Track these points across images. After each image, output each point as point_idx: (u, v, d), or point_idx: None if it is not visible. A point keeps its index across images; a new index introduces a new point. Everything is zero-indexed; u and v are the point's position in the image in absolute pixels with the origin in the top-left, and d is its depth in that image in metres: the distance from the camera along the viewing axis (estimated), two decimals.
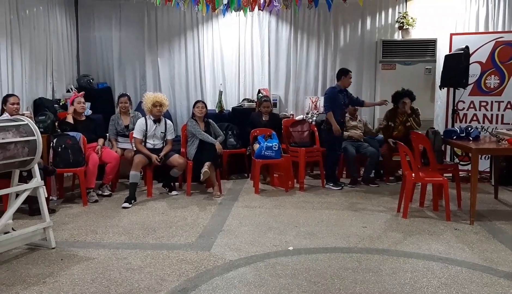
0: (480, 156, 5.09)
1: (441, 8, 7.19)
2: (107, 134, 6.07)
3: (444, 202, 4.71)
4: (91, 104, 6.58)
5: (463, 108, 6.67)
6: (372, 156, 6.14)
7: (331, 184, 6.05)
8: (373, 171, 6.32)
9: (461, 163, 6.39)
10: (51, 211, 4.72)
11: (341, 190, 5.93)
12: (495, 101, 6.58)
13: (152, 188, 5.68)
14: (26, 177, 4.20)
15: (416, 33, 7.15)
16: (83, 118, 5.73)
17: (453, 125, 6.22)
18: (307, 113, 7.33)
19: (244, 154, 6.65)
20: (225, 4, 5.91)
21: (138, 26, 7.54)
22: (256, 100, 7.11)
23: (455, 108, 6.44)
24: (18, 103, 5.13)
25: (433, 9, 7.21)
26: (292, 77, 7.58)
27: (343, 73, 6.05)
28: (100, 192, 5.57)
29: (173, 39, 7.57)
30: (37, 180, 3.75)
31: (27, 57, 6.14)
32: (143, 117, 5.76)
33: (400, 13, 7.25)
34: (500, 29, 7.00)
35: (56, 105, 6.38)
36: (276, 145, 5.80)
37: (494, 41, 6.48)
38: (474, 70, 6.46)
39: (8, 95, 5.18)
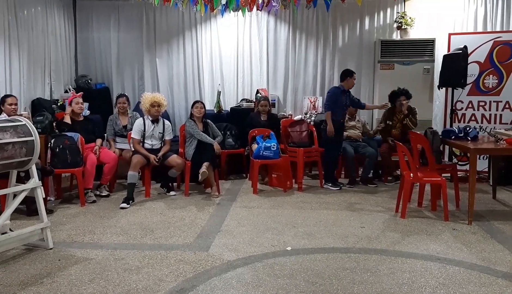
0: (478, 156, 5.08)
1: (440, 8, 7.19)
2: (105, 135, 6.06)
3: (442, 202, 4.70)
4: (89, 104, 6.57)
5: (462, 108, 6.67)
6: (371, 156, 6.15)
7: (330, 184, 6.05)
8: (372, 171, 6.32)
9: (459, 163, 6.39)
10: (49, 211, 4.72)
11: (339, 190, 5.93)
12: (494, 101, 6.58)
13: (150, 188, 5.68)
14: (23, 178, 4.19)
15: (415, 33, 7.16)
16: (81, 119, 5.72)
17: (451, 125, 6.22)
18: (306, 113, 7.33)
19: (242, 154, 6.65)
20: (224, 4, 5.91)
21: (137, 27, 7.54)
22: (254, 100, 7.11)
23: (454, 108, 6.44)
24: (16, 104, 5.12)
25: (432, 9, 7.22)
26: (290, 77, 7.58)
27: (348, 74, 6.02)
28: (98, 193, 5.56)
29: (172, 39, 7.57)
30: (34, 181, 3.74)
31: (25, 57, 6.13)
32: (141, 118, 5.75)
33: (398, 13, 7.25)
34: (498, 29, 7.00)
35: (54, 106, 6.38)
36: (274, 145, 5.80)
37: (493, 41, 6.49)
38: (473, 70, 6.47)
39: (6, 96, 5.17)
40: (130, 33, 7.56)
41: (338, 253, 3.72)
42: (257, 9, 6.17)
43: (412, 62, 6.99)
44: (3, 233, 3.61)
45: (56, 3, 6.94)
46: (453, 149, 6.06)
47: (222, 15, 6.84)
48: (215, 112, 7.08)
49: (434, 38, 6.99)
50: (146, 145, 5.61)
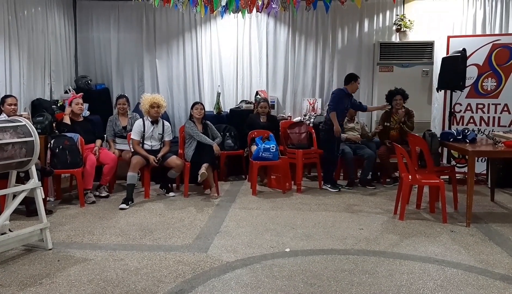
0: (476, 158, 5.10)
1: (439, 11, 7.21)
2: (105, 135, 6.07)
3: (440, 204, 4.71)
4: (89, 105, 6.57)
5: (460, 111, 6.69)
6: (369, 158, 6.16)
7: (329, 186, 6.06)
8: (370, 173, 6.34)
9: (457, 165, 6.41)
10: (48, 212, 4.72)
11: (338, 192, 5.94)
12: (492, 104, 6.60)
13: (149, 189, 5.69)
14: (23, 178, 4.19)
15: (414, 36, 7.18)
16: (81, 119, 5.73)
17: (450, 128, 6.23)
18: (305, 115, 7.33)
19: (241, 155, 6.66)
20: (223, 6, 5.93)
21: (137, 28, 7.55)
22: (254, 101, 7.12)
23: (452, 110, 6.46)
24: (15, 104, 5.13)
25: (431, 11, 7.24)
26: (290, 79, 7.59)
27: (352, 78, 6.02)
28: (97, 193, 5.57)
29: (171, 40, 7.58)
30: (34, 181, 3.75)
31: (25, 58, 6.14)
32: (141, 118, 5.76)
33: (397, 15, 7.27)
34: (497, 32, 7.03)
35: (54, 106, 6.38)
36: (273, 146, 5.81)
37: (491, 43, 6.51)
38: (471, 73, 6.49)
39: (6, 96, 5.18)
40: (130, 34, 7.57)
41: (337, 255, 3.73)
42: (256, 11, 6.18)
43: (411, 64, 7.01)
44: (2, 234, 3.61)
45: (56, 3, 6.95)
46: (452, 151, 6.08)
47: (222, 16, 6.85)
48: (215, 113, 7.09)
49: (433, 41, 7.01)
50: (146, 146, 5.62)
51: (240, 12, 6.24)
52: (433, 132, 5.46)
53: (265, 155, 5.78)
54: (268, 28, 7.52)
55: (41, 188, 3.83)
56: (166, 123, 5.86)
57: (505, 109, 6.55)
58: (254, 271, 3.40)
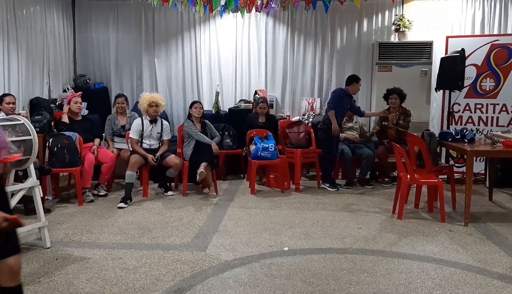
0: (475, 158, 5.10)
1: (438, 11, 7.22)
2: (103, 134, 6.07)
3: (439, 203, 4.72)
4: (88, 104, 6.58)
5: (459, 111, 6.69)
6: (368, 157, 6.17)
7: (327, 185, 6.06)
8: (369, 172, 6.35)
9: (456, 165, 6.41)
10: (47, 210, 4.72)
11: (336, 191, 5.94)
12: (490, 104, 6.60)
13: (148, 188, 5.68)
14: (21, 177, 4.20)
15: (413, 36, 7.19)
16: (80, 118, 5.73)
17: (448, 127, 6.24)
18: (304, 115, 7.34)
19: (240, 155, 6.66)
20: (223, 5, 5.93)
21: (135, 27, 7.54)
22: (252, 101, 7.13)
23: (451, 110, 6.46)
24: (14, 103, 5.12)
25: (429, 11, 7.25)
26: (288, 79, 7.60)
27: (354, 80, 6.02)
28: (95, 192, 5.57)
29: (170, 39, 7.58)
30: (32, 180, 3.75)
31: (24, 56, 6.13)
32: (140, 118, 5.76)
33: (396, 15, 7.28)
34: (495, 32, 7.04)
35: (53, 105, 6.38)
36: (272, 146, 5.81)
37: (490, 44, 6.52)
38: (470, 73, 6.49)
39: (4, 95, 5.17)
40: (129, 33, 7.56)
41: (335, 254, 3.74)
42: (256, 10, 6.19)
43: (410, 64, 7.02)
44: None
45: (55, 2, 6.94)
46: (450, 151, 6.08)
47: (221, 16, 6.84)
48: (213, 112, 7.09)
49: (432, 41, 7.02)
50: (144, 145, 5.62)
51: (239, 12, 6.25)
52: (431, 131, 5.47)
53: (263, 154, 5.78)
54: (267, 27, 7.52)
55: (40, 186, 3.84)
56: (164, 122, 5.85)
57: (504, 109, 6.56)
58: (252, 270, 3.40)
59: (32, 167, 3.75)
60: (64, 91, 6.91)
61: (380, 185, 6.28)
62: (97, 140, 5.72)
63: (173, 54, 7.60)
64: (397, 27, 7.18)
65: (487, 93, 6.60)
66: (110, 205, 5.18)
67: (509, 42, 6.47)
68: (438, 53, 6.91)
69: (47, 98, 6.60)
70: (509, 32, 6.99)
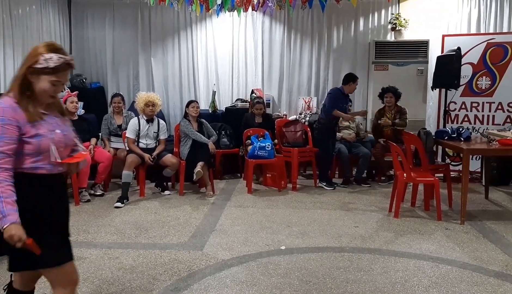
0: (471, 156, 5.12)
1: (433, 10, 7.23)
2: (100, 134, 6.06)
3: (435, 202, 4.74)
4: (84, 103, 6.55)
5: (455, 109, 6.72)
6: (364, 156, 6.18)
7: (324, 184, 6.07)
8: (365, 171, 6.36)
9: (452, 163, 6.43)
10: None
11: (333, 190, 5.95)
12: (486, 102, 6.63)
13: (144, 187, 5.67)
14: None
15: (409, 34, 7.20)
16: (76, 118, 5.71)
17: (444, 126, 6.26)
18: (300, 113, 7.35)
19: (237, 154, 6.66)
20: (219, 4, 5.92)
21: (132, 26, 7.52)
22: (249, 100, 7.13)
23: (447, 109, 6.48)
24: None
25: (426, 10, 7.26)
26: (285, 78, 7.60)
27: (351, 79, 5.97)
28: (92, 192, 5.56)
29: (167, 39, 7.56)
30: None
31: (20, 56, 6.09)
32: (136, 117, 5.75)
33: (392, 14, 7.29)
34: (491, 31, 7.05)
35: None
36: (269, 145, 5.81)
37: (486, 42, 6.54)
38: (466, 71, 6.51)
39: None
40: (125, 32, 7.54)
41: (332, 252, 3.75)
42: (252, 9, 6.18)
43: (406, 63, 7.03)
44: None
45: (51, 1, 6.92)
46: (446, 149, 6.10)
47: (218, 15, 6.83)
48: (210, 111, 7.09)
49: (428, 40, 7.03)
50: (141, 145, 5.61)
51: (235, 11, 6.24)
52: (428, 130, 5.49)
53: (260, 153, 5.78)
54: (263, 26, 7.51)
55: None
56: (161, 121, 5.85)
57: (500, 107, 6.59)
58: (249, 269, 3.40)
59: None
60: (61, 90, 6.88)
61: (376, 184, 6.30)
62: (93, 140, 5.71)
63: (170, 53, 7.59)
64: (393, 25, 7.19)
65: (483, 91, 6.62)
66: (107, 205, 5.18)
67: (505, 40, 6.49)
68: (434, 52, 6.92)
69: None
70: (504, 30, 7.01)
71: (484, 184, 5.77)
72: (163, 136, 5.77)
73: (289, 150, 6.17)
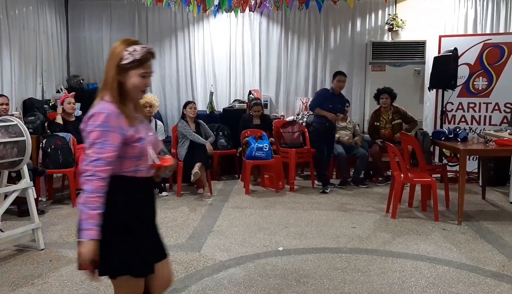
0: (468, 157, 5.14)
1: (430, 11, 7.26)
2: None
3: (432, 202, 4.75)
4: (81, 104, 6.53)
5: (452, 110, 6.73)
6: (362, 157, 6.19)
7: (322, 185, 6.07)
8: (363, 171, 6.37)
9: (449, 164, 6.45)
10: (40, 212, 4.68)
11: (331, 191, 5.95)
12: (483, 103, 6.64)
13: None
14: (15, 178, 4.18)
15: (406, 35, 7.22)
16: (73, 119, 5.70)
17: (441, 126, 6.27)
18: (298, 114, 7.35)
19: (234, 155, 6.66)
20: (216, 5, 5.92)
21: (129, 27, 7.52)
22: (247, 101, 7.13)
23: (444, 109, 6.50)
24: (7, 104, 5.09)
25: (423, 11, 7.28)
26: (282, 78, 7.61)
27: (335, 75, 5.91)
28: None
29: (164, 39, 7.56)
30: (26, 181, 3.73)
31: (17, 57, 6.10)
32: None
33: (389, 15, 7.31)
34: (488, 31, 7.08)
35: (46, 106, 6.34)
36: (266, 146, 5.81)
37: (482, 43, 6.55)
38: (463, 72, 6.52)
39: None
40: (123, 33, 7.52)
41: (329, 253, 3.75)
42: (249, 10, 6.19)
43: (403, 63, 7.05)
44: None
45: (48, 2, 6.91)
46: (443, 150, 6.11)
47: (215, 15, 6.83)
48: (208, 112, 7.09)
49: (425, 40, 7.06)
50: None
51: (233, 12, 6.25)
52: (425, 131, 5.50)
53: (258, 154, 5.78)
54: (261, 27, 7.52)
55: (33, 188, 3.82)
56: (158, 122, 5.85)
57: (496, 108, 6.60)
58: (247, 270, 3.40)
59: (25, 168, 3.73)
60: (58, 91, 6.88)
61: (374, 185, 6.30)
62: None
63: (167, 54, 7.59)
64: (390, 26, 7.21)
65: (480, 92, 6.63)
66: None
67: (502, 41, 6.51)
68: (431, 53, 6.95)
69: (40, 99, 6.56)
70: (501, 31, 7.05)
71: (481, 184, 5.78)
72: (160, 137, 5.76)
73: (287, 151, 6.17)
